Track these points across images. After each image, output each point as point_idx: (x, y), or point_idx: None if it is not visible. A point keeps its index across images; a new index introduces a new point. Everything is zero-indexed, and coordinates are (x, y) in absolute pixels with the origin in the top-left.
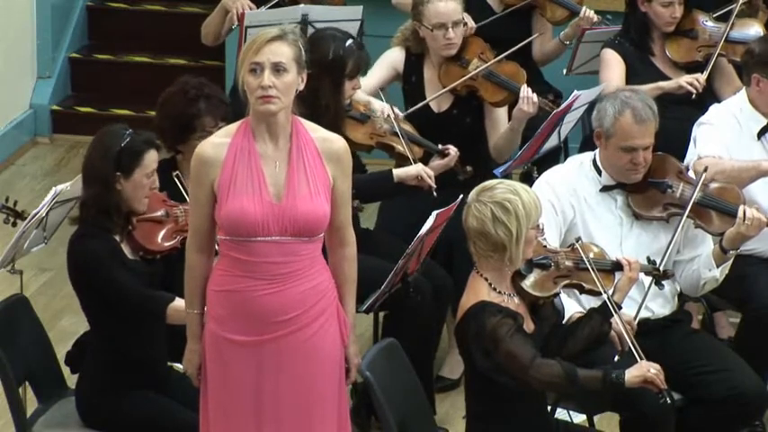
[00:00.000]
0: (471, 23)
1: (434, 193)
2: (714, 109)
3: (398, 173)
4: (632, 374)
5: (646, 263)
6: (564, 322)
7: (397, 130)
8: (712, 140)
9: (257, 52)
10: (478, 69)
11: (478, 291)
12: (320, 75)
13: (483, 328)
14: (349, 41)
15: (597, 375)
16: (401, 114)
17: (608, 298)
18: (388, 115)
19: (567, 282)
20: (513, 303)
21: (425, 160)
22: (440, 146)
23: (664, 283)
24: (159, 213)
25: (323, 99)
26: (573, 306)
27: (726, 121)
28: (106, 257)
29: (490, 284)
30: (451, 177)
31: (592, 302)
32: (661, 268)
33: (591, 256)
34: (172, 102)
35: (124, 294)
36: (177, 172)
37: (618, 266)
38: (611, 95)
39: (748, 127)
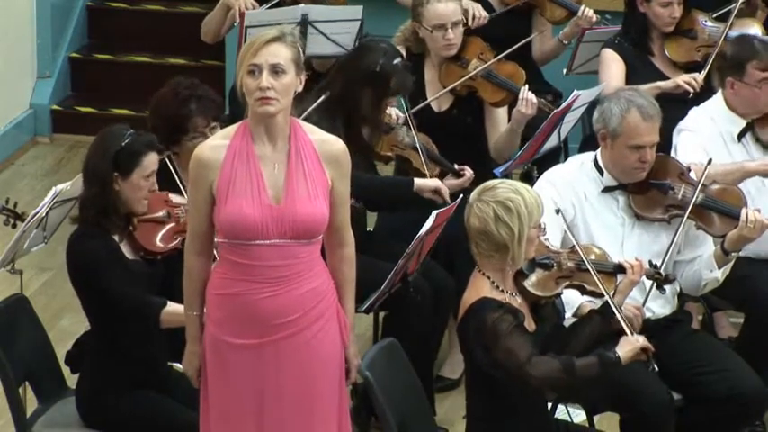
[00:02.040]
0: (484, 13)
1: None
2: (693, 113)
3: (419, 183)
4: (625, 350)
5: (648, 266)
6: (574, 312)
7: (418, 146)
8: (692, 147)
9: (255, 54)
10: (478, 69)
11: (480, 288)
12: (363, 84)
13: (483, 323)
14: (398, 60)
15: (593, 360)
16: (402, 115)
17: (610, 299)
18: (409, 129)
19: (568, 282)
20: (516, 302)
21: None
22: (456, 166)
23: (665, 287)
24: (161, 214)
25: (362, 109)
26: (575, 297)
27: (704, 124)
28: (104, 259)
29: (492, 282)
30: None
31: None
32: (663, 272)
33: (592, 257)
34: (163, 103)
35: (120, 299)
36: (168, 153)
37: (620, 269)
38: (613, 96)
39: (727, 129)
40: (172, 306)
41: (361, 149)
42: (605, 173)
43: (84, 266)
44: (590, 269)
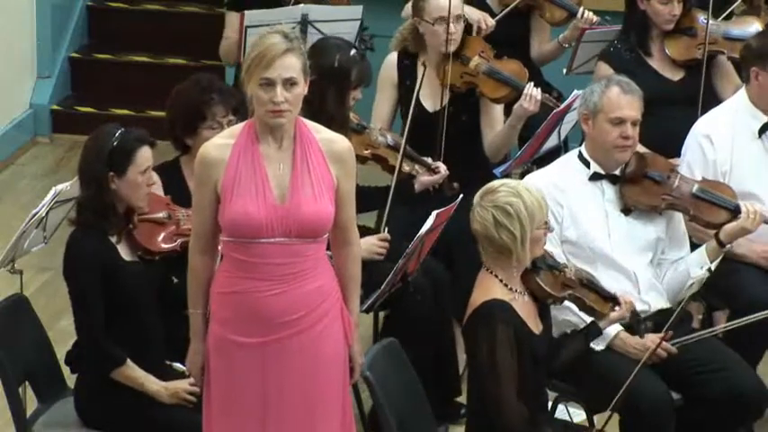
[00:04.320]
0: (491, 21)
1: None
2: (715, 112)
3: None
4: None
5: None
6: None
7: (392, 144)
8: (695, 167)
9: (268, 67)
10: (481, 64)
11: (489, 288)
12: (326, 82)
13: (488, 328)
14: (353, 51)
15: None
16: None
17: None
18: (381, 129)
19: (571, 291)
20: (523, 301)
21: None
22: (431, 162)
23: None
24: (161, 215)
25: (328, 108)
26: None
27: (723, 125)
28: (96, 275)
29: (501, 281)
30: (456, 178)
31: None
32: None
33: (592, 279)
34: (185, 91)
35: (86, 332)
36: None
37: (614, 300)
38: (595, 82)
39: (748, 124)
40: (129, 369)
41: None
42: (591, 162)
43: (82, 269)
44: (590, 286)
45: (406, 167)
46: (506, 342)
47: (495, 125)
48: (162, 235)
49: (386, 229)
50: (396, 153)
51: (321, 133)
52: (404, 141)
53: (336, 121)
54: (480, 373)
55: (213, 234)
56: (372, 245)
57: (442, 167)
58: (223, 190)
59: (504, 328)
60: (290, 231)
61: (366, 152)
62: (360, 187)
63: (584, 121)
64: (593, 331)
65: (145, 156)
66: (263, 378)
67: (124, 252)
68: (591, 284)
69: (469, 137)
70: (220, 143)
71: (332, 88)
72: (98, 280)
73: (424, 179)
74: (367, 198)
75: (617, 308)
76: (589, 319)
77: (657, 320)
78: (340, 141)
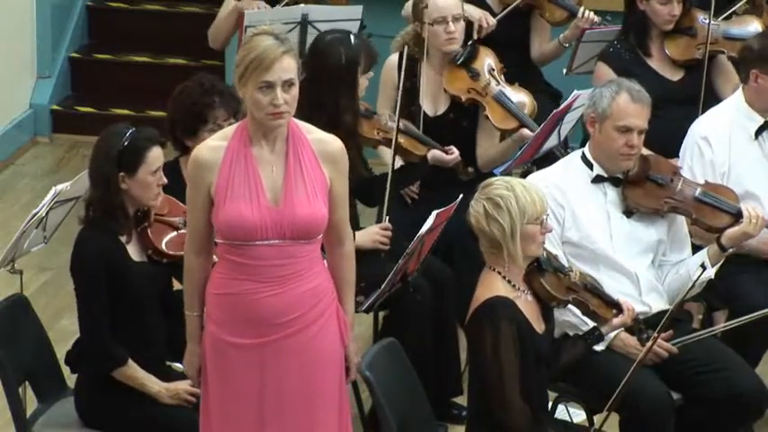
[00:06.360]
0: (492, 21)
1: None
2: (713, 112)
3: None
4: None
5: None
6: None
7: (402, 128)
8: (697, 170)
9: (269, 70)
10: (492, 86)
11: (493, 285)
12: (338, 82)
13: (492, 324)
14: (352, 38)
15: None
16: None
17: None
18: (390, 114)
19: (575, 295)
20: (526, 300)
21: None
22: (443, 147)
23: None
24: (177, 220)
25: (343, 102)
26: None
27: (722, 129)
28: (99, 275)
29: (504, 277)
30: (454, 176)
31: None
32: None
33: (596, 284)
34: (186, 92)
35: (89, 330)
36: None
37: (617, 306)
38: (605, 84)
39: (745, 127)
40: (130, 369)
41: (349, 137)
42: (594, 165)
43: (78, 270)
44: (594, 292)
45: (422, 151)
46: (510, 339)
47: (492, 134)
48: (171, 238)
49: (387, 219)
50: (406, 136)
51: (313, 134)
52: (396, 125)
53: (349, 109)
54: (483, 369)
55: (208, 235)
56: (375, 233)
57: (456, 151)
58: (216, 193)
59: (508, 325)
60: (285, 233)
61: (378, 136)
62: (371, 178)
63: (591, 123)
64: (595, 338)
65: (155, 155)
66: (259, 379)
67: (133, 252)
68: (595, 290)
69: (470, 141)
70: (213, 145)
71: (344, 84)
72: (102, 279)
73: (437, 152)
74: (379, 185)
75: (620, 315)
76: (590, 322)
77: (657, 322)
78: (332, 142)
